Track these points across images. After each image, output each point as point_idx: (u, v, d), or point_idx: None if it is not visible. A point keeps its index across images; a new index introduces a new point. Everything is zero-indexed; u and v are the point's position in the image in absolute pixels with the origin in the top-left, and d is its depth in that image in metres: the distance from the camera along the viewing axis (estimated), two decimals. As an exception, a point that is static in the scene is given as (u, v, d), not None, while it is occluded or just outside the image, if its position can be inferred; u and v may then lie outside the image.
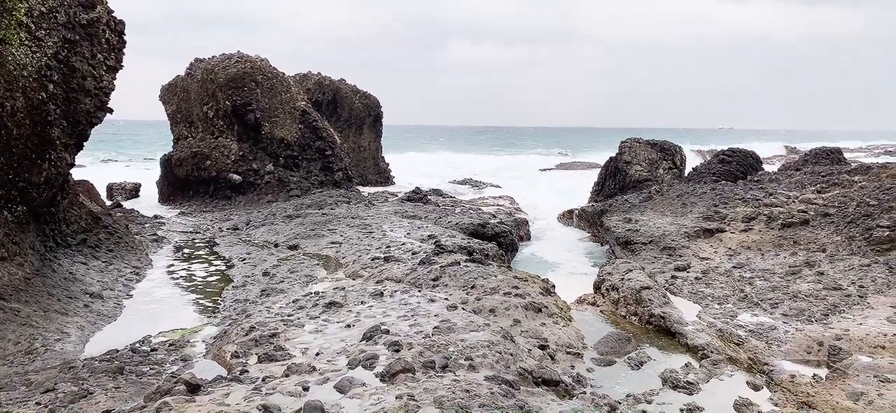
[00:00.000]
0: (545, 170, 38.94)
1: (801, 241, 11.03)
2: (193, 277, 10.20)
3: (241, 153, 19.29)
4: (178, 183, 20.19)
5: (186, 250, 12.26)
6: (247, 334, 6.18)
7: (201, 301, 8.92)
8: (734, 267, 10.01)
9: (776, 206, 12.93)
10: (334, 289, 8.01)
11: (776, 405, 5.55)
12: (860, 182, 13.96)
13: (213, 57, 20.81)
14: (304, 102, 20.94)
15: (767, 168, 22.21)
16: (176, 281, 9.98)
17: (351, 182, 20.87)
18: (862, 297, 8.34)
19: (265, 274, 9.81)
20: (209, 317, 8.01)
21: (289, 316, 6.76)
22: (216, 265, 11.03)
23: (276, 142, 19.63)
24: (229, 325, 6.96)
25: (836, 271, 9.45)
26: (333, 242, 11.85)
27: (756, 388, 5.84)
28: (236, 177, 19.00)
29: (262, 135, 19.54)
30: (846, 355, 6.36)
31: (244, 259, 11.11)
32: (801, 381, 5.90)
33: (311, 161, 20.09)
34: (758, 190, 15.23)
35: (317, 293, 7.69)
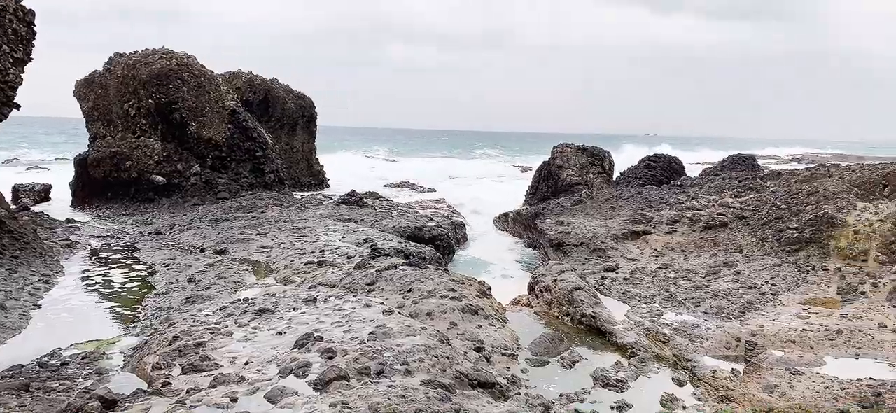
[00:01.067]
0: (481, 174, 39.26)
1: (721, 243, 11.57)
2: (111, 285, 9.65)
3: (165, 153, 18.55)
4: (95, 185, 19.12)
5: (103, 256, 11.61)
6: (170, 344, 5.93)
7: (119, 310, 8.42)
8: (660, 267, 10.39)
9: (698, 210, 13.49)
10: (265, 295, 7.80)
11: (699, 400, 5.80)
12: (772, 187, 14.76)
13: (134, 52, 19.90)
14: (233, 102, 20.35)
15: (689, 173, 23.15)
16: (91, 289, 9.39)
17: (283, 184, 20.42)
18: (774, 294, 8.85)
19: (190, 280, 9.44)
20: (128, 326, 7.60)
21: (216, 324, 6.53)
22: (137, 271, 10.51)
23: (203, 142, 18.97)
24: (151, 334, 6.66)
25: (752, 271, 9.97)
26: (264, 247, 11.56)
27: (681, 383, 6.09)
28: (160, 178, 18.26)
29: (188, 134, 18.85)
30: (761, 350, 6.74)
31: (167, 265, 10.66)
32: (721, 376, 6.19)
33: (241, 162, 19.53)
34: (681, 194, 15.85)
35: (246, 300, 7.47)
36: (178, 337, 6.06)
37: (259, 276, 9.73)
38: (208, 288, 8.99)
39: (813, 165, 17.24)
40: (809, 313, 7.99)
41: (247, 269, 10.22)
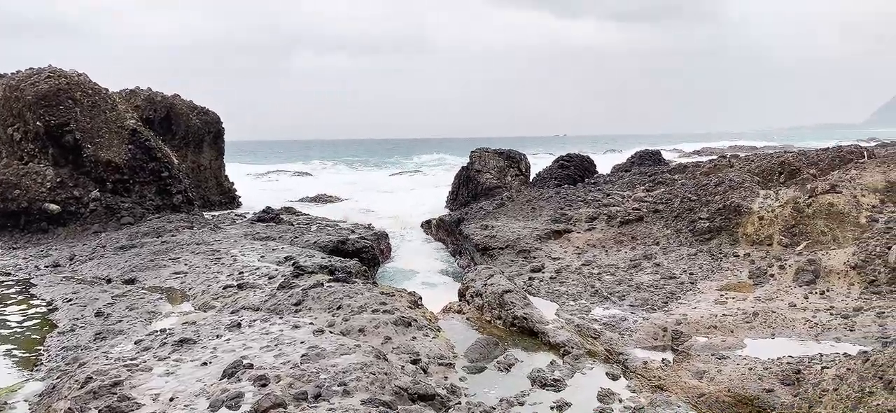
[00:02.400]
0: (401, 181, 39.12)
1: (638, 237, 11.96)
2: (6, 326, 8.81)
3: (58, 179, 17.25)
4: (-21, 218, 17.60)
5: (-5, 295, 10.63)
6: (82, 386, 5.43)
7: (18, 353, 7.64)
8: (583, 264, 10.61)
9: (614, 206, 13.93)
10: (184, 324, 7.33)
11: (634, 392, 5.91)
12: (680, 180, 15.49)
13: (17, 72, 18.41)
14: (133, 121, 19.22)
15: (600, 170, 23.97)
16: (-17, 332, 8.57)
17: (193, 205, 19.46)
18: (693, 283, 9.22)
19: (98, 314, 8.76)
20: (31, 371, 6.96)
21: (133, 360, 6.05)
22: (35, 309, 9.66)
23: (101, 165, 17.78)
24: (58, 377, 6.09)
25: (670, 261, 10.36)
26: (177, 273, 10.93)
27: (614, 377, 6.20)
28: (54, 206, 16.95)
29: (84, 158, 17.62)
30: (687, 338, 6.96)
31: (71, 300, 9.86)
32: (652, 366, 6.34)
33: (145, 184, 18.46)
34: (596, 191, 16.35)
35: (164, 330, 6.98)
36: (90, 377, 5.56)
37: (175, 304, 9.17)
38: (119, 321, 8.37)
39: (714, 158, 18.22)
40: (727, 298, 8.37)
41: (161, 298, 9.62)
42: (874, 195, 10.76)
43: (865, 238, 9.36)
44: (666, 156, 26.12)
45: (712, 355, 6.50)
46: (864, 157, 13.99)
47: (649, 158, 22.35)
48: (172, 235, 14.42)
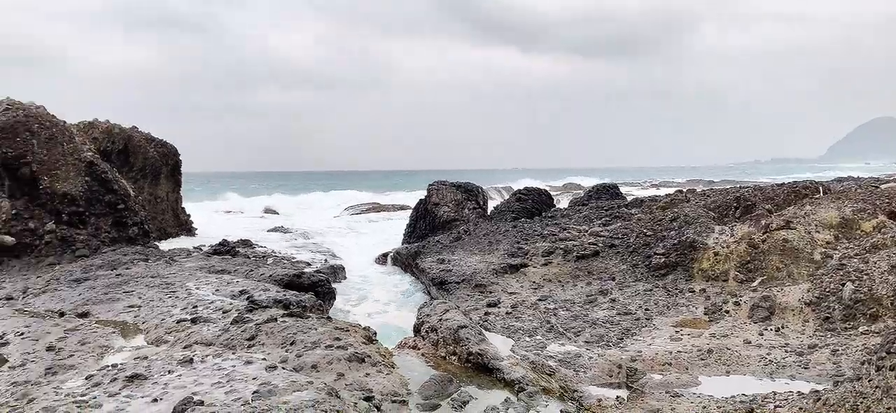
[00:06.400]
0: (358, 213, 39.00)
1: (595, 271, 12.17)
2: (-48, 361, 8.56)
3: (14, 211, 16.81)
4: (-72, 248, 17.07)
5: (-58, 329, 10.29)
6: (29, 424, 5.33)
7: (-35, 389, 7.49)
8: (539, 299, 10.74)
9: (570, 240, 14.16)
10: (136, 359, 7.23)
11: (587, 429, 6.01)
12: (637, 214, 15.81)
13: (-27, 103, 18.05)
14: (90, 153, 18.90)
15: (558, 204, 24.31)
16: (-71, 368, 8.29)
17: (148, 237, 19.13)
18: (649, 319, 9.38)
19: (49, 349, 8.55)
20: (-21, 407, 6.77)
21: (83, 396, 5.95)
22: (-17, 343, 9.38)
23: (57, 197, 17.40)
24: (6, 414, 5.97)
25: (626, 297, 10.54)
26: (131, 306, 10.72)
27: (569, 414, 6.28)
28: (9, 239, 16.49)
29: (40, 190, 17.23)
30: (641, 375, 7.06)
31: (22, 333, 9.58)
32: (606, 404, 6.43)
33: (101, 216, 18.10)
34: (553, 225, 16.58)
35: (115, 365, 6.87)
36: (36, 416, 5.46)
37: (128, 339, 8.99)
38: (71, 355, 8.17)
39: (671, 192, 18.67)
40: (682, 335, 8.52)
41: (114, 332, 9.41)
42: (829, 231, 11.06)
43: (820, 274, 9.53)
44: (624, 190, 26.65)
45: (667, 393, 6.60)
46: (819, 192, 14.37)
47: (607, 192, 22.74)
48: (127, 268, 14.14)
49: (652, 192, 37.91)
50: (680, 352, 7.82)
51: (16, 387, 7.18)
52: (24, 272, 15.35)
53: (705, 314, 9.39)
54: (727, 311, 9.31)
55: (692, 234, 11.97)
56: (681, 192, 18.28)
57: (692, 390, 6.63)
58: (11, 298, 12.41)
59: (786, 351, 7.65)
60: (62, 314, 10.72)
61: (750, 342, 8.07)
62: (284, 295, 11.11)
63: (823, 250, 10.43)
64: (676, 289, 10.67)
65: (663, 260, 11.62)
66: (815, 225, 11.19)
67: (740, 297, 9.62)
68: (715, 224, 13.00)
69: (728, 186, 16.05)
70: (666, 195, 18.26)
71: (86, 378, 6.50)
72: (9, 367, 8.00)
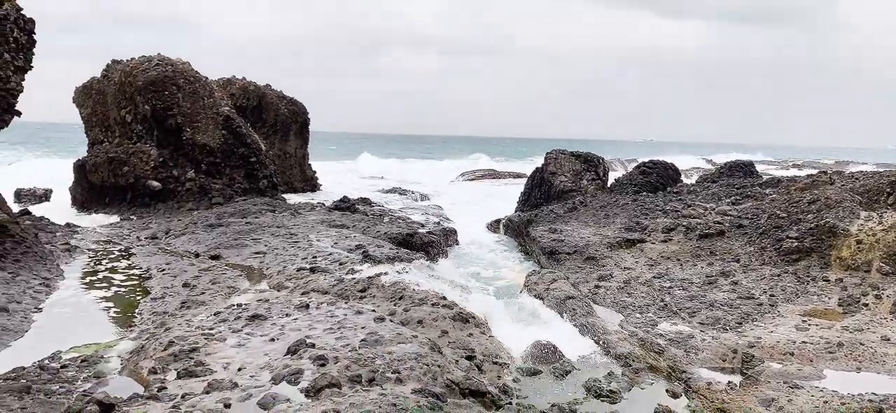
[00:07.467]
0: (472, 179, 39.28)
1: (718, 252, 11.52)
2: (108, 289, 9.63)
3: (160, 159, 18.48)
4: (93, 189, 19.15)
5: (101, 261, 11.58)
6: (165, 349, 5.90)
7: (116, 314, 8.40)
8: (654, 277, 10.34)
9: (694, 218, 13.47)
10: (258, 301, 7.76)
11: (694, 412, 5.75)
12: (771, 195, 14.72)
13: (131, 59, 19.88)
14: (227, 108, 20.30)
15: (686, 180, 23.16)
16: (89, 293, 9.38)
17: (276, 190, 20.36)
18: (773, 305, 8.77)
19: (185, 285, 9.40)
20: (125, 331, 7.58)
21: (210, 329, 6.49)
22: (133, 276, 10.47)
23: (197, 148, 18.91)
24: (147, 339, 6.63)
25: (750, 281, 9.91)
26: (257, 252, 11.50)
27: (675, 395, 6.04)
28: (155, 184, 18.19)
29: (183, 141, 18.79)
30: (758, 362, 6.66)
31: (163, 270, 10.61)
32: (716, 389, 6.14)
33: (235, 168, 19.47)
34: (677, 201, 15.83)
35: (240, 305, 7.43)
36: (173, 342, 6.02)
37: (253, 282, 9.68)
38: (202, 293, 8.94)
39: (814, 172, 17.19)
40: (809, 325, 7.89)
41: (240, 275, 10.17)
42: None
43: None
44: (761, 169, 24.88)
45: (784, 383, 6.19)
46: None
47: (740, 170, 21.30)
48: (256, 217, 15.15)
49: (794, 172, 35.13)
50: (805, 342, 7.27)
51: (156, 316, 7.98)
52: (167, 215, 16.91)
53: (839, 305, 8.65)
54: (866, 304, 8.52)
55: (832, 218, 10.98)
56: (824, 173, 16.75)
57: (814, 383, 6.17)
58: (156, 238, 13.72)
59: (931, 352, 6.92)
60: (197, 255, 11.72)
61: (888, 339, 7.34)
62: (397, 252, 11.47)
63: None
64: (809, 276, 9.88)
65: (796, 244, 10.77)
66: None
67: (883, 290, 8.77)
68: (861, 210, 11.82)
69: (882, 170, 14.48)
70: (807, 175, 16.83)
71: (214, 314, 7.07)
72: (151, 299, 8.90)
